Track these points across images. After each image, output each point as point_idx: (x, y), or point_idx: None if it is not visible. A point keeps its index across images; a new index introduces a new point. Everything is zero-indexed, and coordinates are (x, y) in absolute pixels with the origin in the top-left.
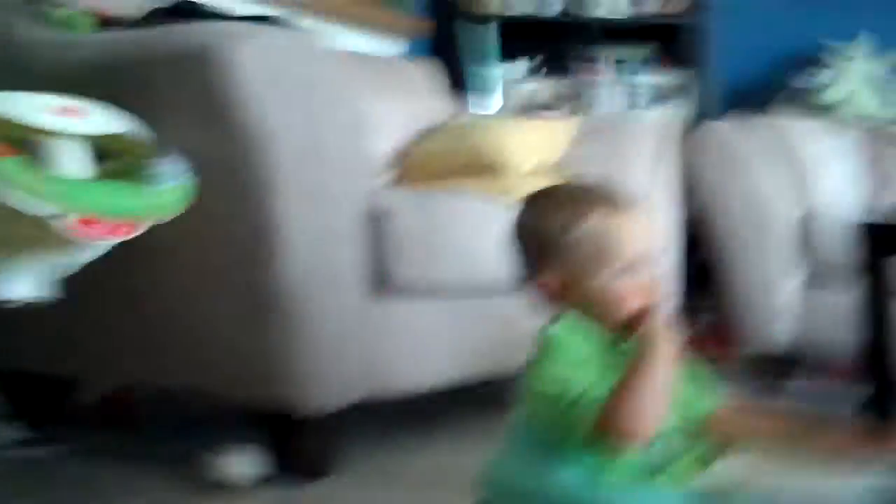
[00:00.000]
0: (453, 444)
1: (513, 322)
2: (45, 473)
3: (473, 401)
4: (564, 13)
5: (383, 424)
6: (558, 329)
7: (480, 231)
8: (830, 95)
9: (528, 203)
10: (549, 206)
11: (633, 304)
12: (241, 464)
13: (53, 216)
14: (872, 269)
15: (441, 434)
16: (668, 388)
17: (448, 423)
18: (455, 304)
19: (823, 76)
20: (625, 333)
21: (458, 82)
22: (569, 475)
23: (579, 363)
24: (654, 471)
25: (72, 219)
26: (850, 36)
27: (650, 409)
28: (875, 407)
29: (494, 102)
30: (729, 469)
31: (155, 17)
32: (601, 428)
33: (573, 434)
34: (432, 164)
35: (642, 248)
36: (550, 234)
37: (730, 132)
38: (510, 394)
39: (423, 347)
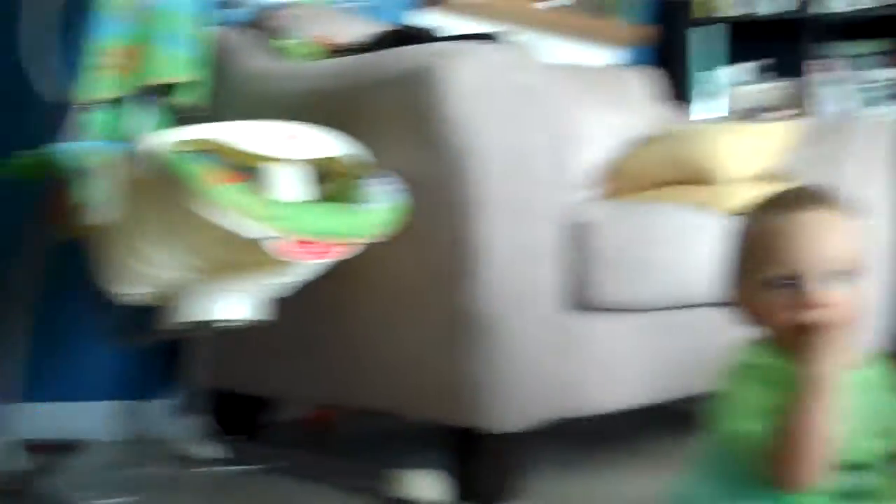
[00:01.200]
0: (642, 468)
1: (716, 338)
2: (236, 489)
3: (668, 421)
4: (800, 9)
5: (572, 447)
6: (745, 357)
7: (688, 243)
8: None
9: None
10: (750, 208)
11: (784, 318)
12: (424, 484)
13: (269, 238)
14: None
15: (630, 457)
16: (834, 426)
17: (638, 446)
18: (656, 320)
19: None
20: (791, 354)
21: (683, 89)
22: None
23: (756, 401)
24: (853, 498)
25: (288, 241)
26: None
27: (810, 454)
28: None
29: (720, 107)
30: None
31: (381, 43)
32: (768, 474)
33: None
34: (643, 174)
35: (800, 256)
36: (733, 232)
37: None
38: (701, 417)
39: (619, 366)
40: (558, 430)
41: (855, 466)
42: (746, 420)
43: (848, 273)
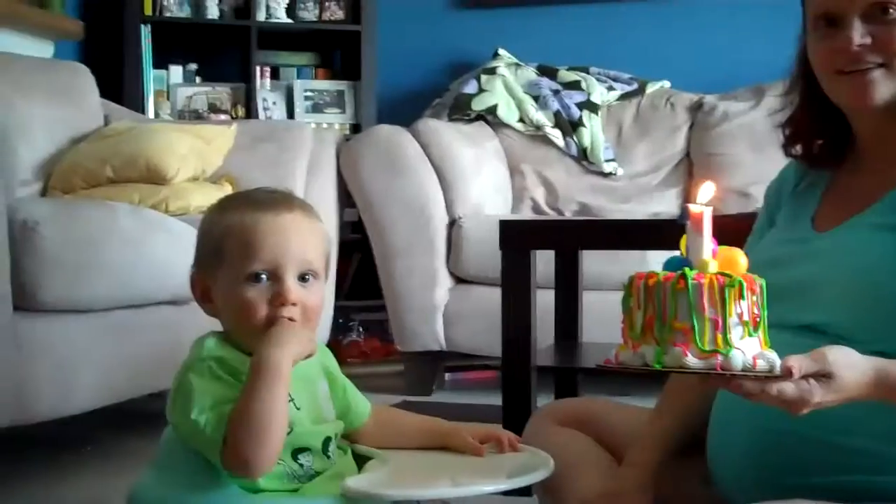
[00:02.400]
0: (109, 468)
1: (175, 335)
2: None
3: (134, 419)
4: (222, 17)
5: (34, 451)
6: (205, 351)
7: (138, 242)
8: (480, 103)
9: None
10: (219, 205)
11: (262, 313)
12: None
13: None
14: (516, 264)
15: (96, 458)
16: (282, 410)
17: (105, 447)
18: (112, 320)
19: (473, 85)
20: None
21: (113, 87)
22: (218, 498)
23: (216, 394)
24: (304, 479)
25: None
26: (495, 47)
27: (266, 439)
28: (515, 398)
29: (150, 108)
30: (372, 477)
31: None
32: (224, 464)
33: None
34: (91, 172)
35: (279, 253)
36: (201, 229)
37: (389, 137)
38: (164, 413)
39: (75, 369)
40: (18, 434)
41: (302, 449)
42: (204, 413)
43: (317, 272)
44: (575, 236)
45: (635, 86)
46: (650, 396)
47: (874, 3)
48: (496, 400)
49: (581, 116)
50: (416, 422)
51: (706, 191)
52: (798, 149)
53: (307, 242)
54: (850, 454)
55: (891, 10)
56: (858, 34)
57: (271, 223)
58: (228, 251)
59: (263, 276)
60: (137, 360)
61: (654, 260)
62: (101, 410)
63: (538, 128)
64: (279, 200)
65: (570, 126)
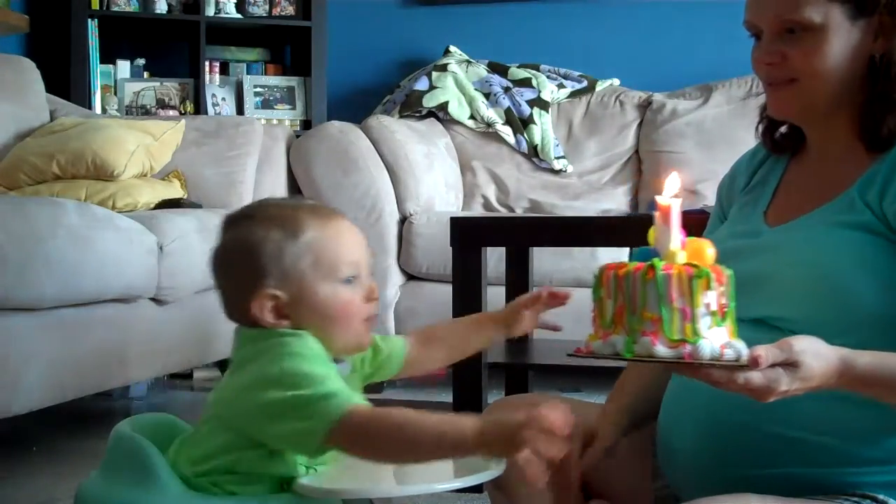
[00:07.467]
0: (57, 468)
1: (121, 334)
2: None
3: (83, 418)
4: (170, 12)
5: None
6: (304, 345)
7: (82, 240)
8: (431, 100)
9: (231, 223)
10: (260, 223)
11: (359, 310)
12: None
13: None
14: (467, 261)
15: (44, 459)
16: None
17: (53, 446)
18: (56, 319)
19: (424, 82)
20: (355, 343)
21: (60, 81)
22: (163, 497)
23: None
24: None
25: None
26: (446, 44)
27: (375, 451)
28: (466, 394)
29: (97, 104)
30: (324, 475)
31: None
32: (322, 433)
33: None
34: (32, 168)
35: (358, 254)
36: (266, 250)
37: (340, 134)
38: (115, 411)
39: (22, 368)
40: None
41: None
42: (335, 382)
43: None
44: (525, 233)
45: (585, 83)
46: (600, 393)
47: (782, 22)
48: (447, 397)
49: (531, 114)
50: (458, 324)
51: (672, 182)
52: (765, 134)
53: (364, 242)
54: (799, 446)
55: (795, 30)
56: (766, 51)
57: (347, 230)
58: (314, 264)
59: (353, 278)
60: (84, 358)
61: (604, 257)
62: (48, 410)
63: (489, 125)
64: (330, 209)
65: (520, 123)
